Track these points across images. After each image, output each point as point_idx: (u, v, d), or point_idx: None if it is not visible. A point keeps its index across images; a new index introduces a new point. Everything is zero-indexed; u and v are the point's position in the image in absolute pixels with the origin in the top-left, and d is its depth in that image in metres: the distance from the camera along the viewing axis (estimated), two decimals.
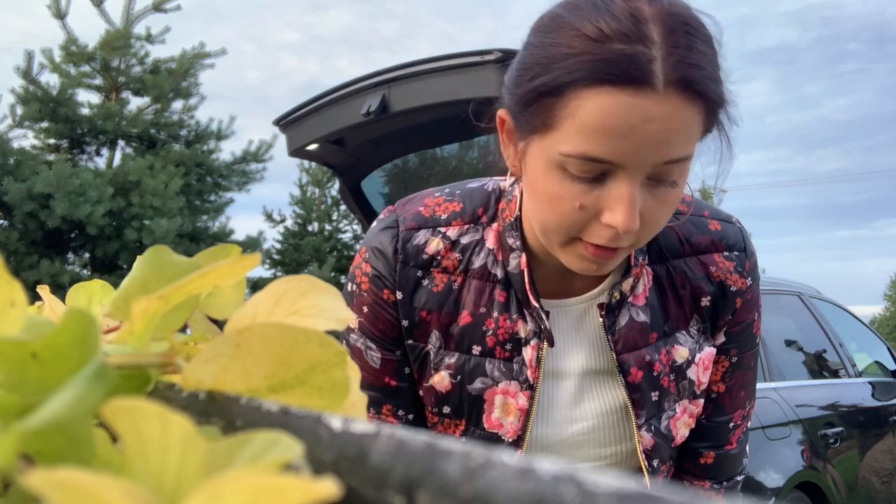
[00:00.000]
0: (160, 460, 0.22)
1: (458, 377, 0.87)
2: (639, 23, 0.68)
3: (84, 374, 0.24)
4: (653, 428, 0.89)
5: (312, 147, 3.46)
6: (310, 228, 12.09)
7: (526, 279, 0.85)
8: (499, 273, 0.87)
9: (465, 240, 0.88)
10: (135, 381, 0.31)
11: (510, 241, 0.86)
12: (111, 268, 7.25)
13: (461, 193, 0.91)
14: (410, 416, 0.91)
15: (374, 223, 0.91)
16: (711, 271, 0.89)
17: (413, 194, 0.93)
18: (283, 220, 12.13)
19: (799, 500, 3.07)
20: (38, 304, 0.47)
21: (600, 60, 0.67)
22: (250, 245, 8.24)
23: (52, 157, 7.18)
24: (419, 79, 2.95)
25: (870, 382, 4.08)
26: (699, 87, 0.68)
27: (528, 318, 0.87)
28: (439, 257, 0.87)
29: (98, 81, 7.55)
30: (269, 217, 12.13)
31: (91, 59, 7.36)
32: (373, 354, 0.89)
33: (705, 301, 0.90)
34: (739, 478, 0.99)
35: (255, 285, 7.65)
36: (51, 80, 7.54)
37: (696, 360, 0.90)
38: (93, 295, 0.45)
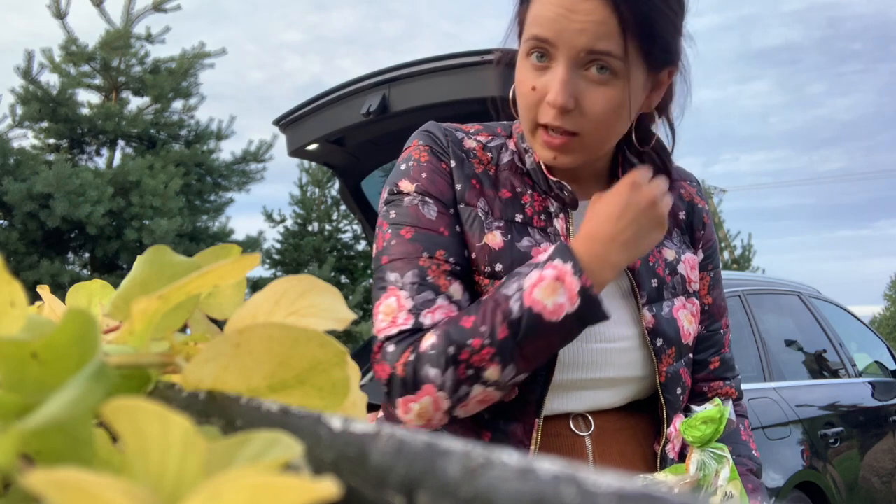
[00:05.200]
0: (160, 460, 0.22)
1: (509, 236, 1.01)
2: None
3: (84, 374, 0.24)
4: (654, 310, 1.04)
5: (312, 147, 3.46)
6: (310, 228, 12.09)
7: (543, 167, 1.02)
8: (524, 166, 1.05)
9: (492, 144, 1.07)
10: (135, 381, 0.31)
11: (523, 145, 1.04)
12: (111, 268, 7.25)
13: (480, 124, 1.10)
14: (458, 268, 0.99)
15: (414, 133, 1.06)
16: (682, 192, 1.15)
17: None
18: (283, 220, 12.12)
19: (799, 500, 3.07)
20: (38, 304, 0.47)
21: None
22: (250, 245, 8.24)
23: (52, 157, 7.17)
24: (419, 79, 2.96)
25: (870, 382, 4.08)
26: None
27: (554, 201, 1.04)
28: (474, 152, 1.05)
29: (98, 81, 7.55)
30: (269, 217, 12.12)
31: (91, 59, 7.36)
32: (430, 209, 1.01)
33: (682, 215, 1.13)
34: (739, 375, 1.20)
35: (255, 285, 7.64)
36: (51, 79, 7.51)
37: (683, 258, 1.11)
38: (93, 295, 0.45)
